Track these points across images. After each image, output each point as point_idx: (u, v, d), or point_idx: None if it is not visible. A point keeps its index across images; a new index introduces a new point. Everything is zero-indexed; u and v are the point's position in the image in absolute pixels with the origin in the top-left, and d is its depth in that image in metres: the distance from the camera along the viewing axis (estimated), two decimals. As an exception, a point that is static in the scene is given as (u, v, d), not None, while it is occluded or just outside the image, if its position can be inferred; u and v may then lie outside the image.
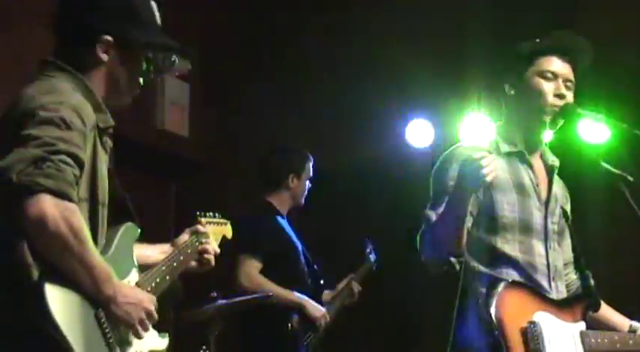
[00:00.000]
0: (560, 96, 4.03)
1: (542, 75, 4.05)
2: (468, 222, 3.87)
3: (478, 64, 6.84)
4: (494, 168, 3.66)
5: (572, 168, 4.33)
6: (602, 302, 4.16)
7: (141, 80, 3.49)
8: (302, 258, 6.21)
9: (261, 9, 8.05)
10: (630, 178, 4.07)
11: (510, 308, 3.81)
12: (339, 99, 7.75)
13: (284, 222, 6.25)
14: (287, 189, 6.25)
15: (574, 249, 4.16)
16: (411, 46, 7.45)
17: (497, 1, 7.24)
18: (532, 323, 3.82)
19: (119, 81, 3.43)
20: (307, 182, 6.31)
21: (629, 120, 4.15)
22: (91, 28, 3.39)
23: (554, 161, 4.19)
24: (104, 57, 3.37)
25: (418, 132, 7.06)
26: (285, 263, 6.10)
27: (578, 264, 4.14)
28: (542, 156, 4.16)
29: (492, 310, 3.74)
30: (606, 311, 4.24)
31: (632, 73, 6.90)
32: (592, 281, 4.08)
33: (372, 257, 6.63)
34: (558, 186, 4.21)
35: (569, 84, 4.07)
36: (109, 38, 3.36)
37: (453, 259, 3.80)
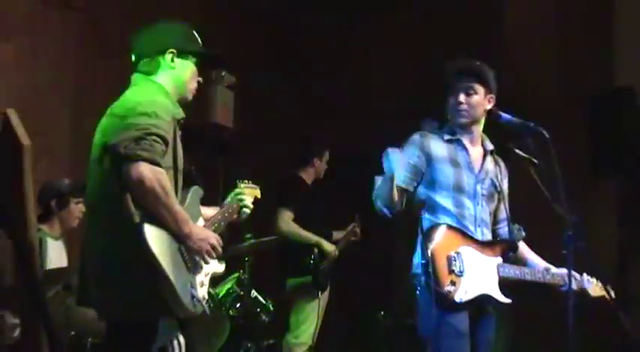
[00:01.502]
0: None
1: (452, 92, 4.09)
2: (410, 186, 4.00)
3: (430, 85, 6.86)
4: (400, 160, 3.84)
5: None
6: (526, 247, 4.22)
7: (193, 84, 3.55)
8: (320, 212, 6.31)
9: (283, 41, 8.04)
10: (535, 160, 4.09)
11: (442, 243, 3.86)
12: (340, 106, 7.75)
13: (309, 189, 6.35)
14: (312, 167, 6.37)
15: (507, 211, 4.18)
16: (390, 72, 7.45)
17: (445, 41, 7.22)
18: (457, 252, 3.87)
19: (181, 82, 3.49)
20: (325, 163, 6.42)
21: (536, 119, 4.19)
22: (161, 45, 3.50)
23: (491, 147, 4.20)
24: (171, 64, 3.44)
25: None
26: (310, 215, 6.17)
27: (509, 222, 4.18)
28: (482, 144, 4.18)
29: (429, 244, 3.80)
30: (525, 253, 4.24)
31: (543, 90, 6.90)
32: (522, 234, 4.14)
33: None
34: (492, 165, 4.20)
35: (470, 91, 4.08)
36: (173, 50, 3.46)
37: (385, 210, 3.90)
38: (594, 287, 4.22)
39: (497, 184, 4.20)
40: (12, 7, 5.21)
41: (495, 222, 4.20)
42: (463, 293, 3.85)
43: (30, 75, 5.36)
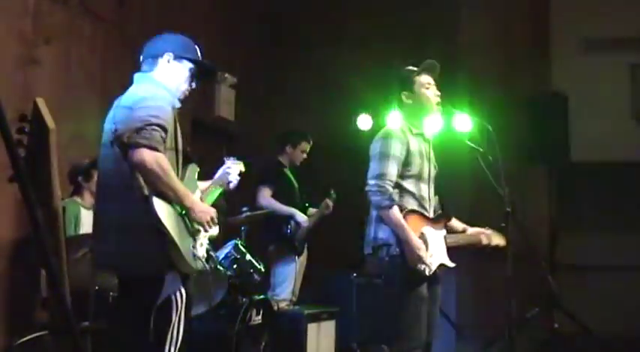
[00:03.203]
0: (437, 96, 3.99)
1: (425, 86, 3.99)
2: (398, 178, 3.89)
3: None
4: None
5: (449, 144, 4.32)
6: (454, 217, 4.19)
7: (186, 85, 3.48)
8: (296, 190, 6.20)
9: (277, 46, 7.99)
10: (481, 150, 4.07)
11: (409, 224, 3.80)
12: (322, 104, 7.70)
13: (287, 171, 6.22)
14: (285, 153, 6.23)
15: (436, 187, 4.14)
16: (361, 75, 7.40)
17: (412, 50, 7.18)
18: (422, 234, 3.84)
19: (175, 82, 3.44)
20: (301, 152, 6.26)
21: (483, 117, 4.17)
22: (161, 49, 3.44)
23: (430, 137, 4.13)
24: (167, 65, 3.37)
25: (364, 121, 7.03)
26: (286, 192, 6.09)
27: (436, 193, 4.12)
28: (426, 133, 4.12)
29: None
30: (454, 222, 4.20)
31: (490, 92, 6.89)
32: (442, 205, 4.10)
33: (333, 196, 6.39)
34: (432, 151, 4.15)
35: (435, 87, 4.02)
36: (170, 54, 3.39)
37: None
38: (496, 236, 4.20)
39: (436, 166, 4.15)
40: (51, 17, 5.12)
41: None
42: (430, 265, 3.82)
43: (65, 71, 5.28)
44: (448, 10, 7.50)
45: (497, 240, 4.18)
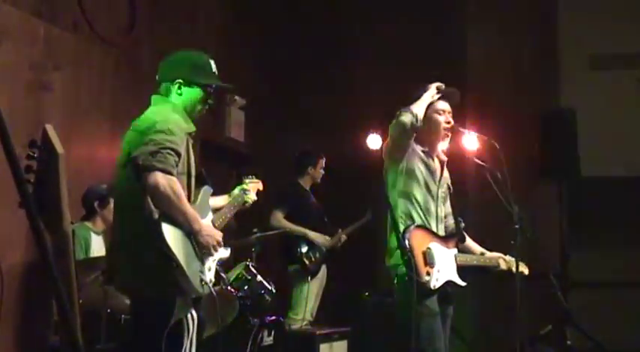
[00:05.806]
0: (448, 122, 4.04)
1: (438, 112, 4.06)
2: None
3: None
4: None
5: (459, 162, 4.34)
6: (468, 237, 4.19)
7: (202, 106, 3.51)
8: (314, 212, 6.26)
9: (286, 68, 8.04)
10: (486, 166, 4.10)
11: (416, 241, 3.85)
12: (332, 124, 7.72)
13: (306, 193, 6.30)
14: (308, 174, 6.30)
15: (452, 207, 4.19)
16: (371, 95, 7.42)
17: (422, 69, 7.20)
18: (428, 248, 3.86)
19: (190, 105, 3.46)
20: (321, 170, 6.36)
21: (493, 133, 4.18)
22: (172, 75, 3.46)
23: (444, 158, 4.18)
24: (179, 91, 3.41)
25: (373, 141, 7.01)
26: (304, 214, 6.17)
27: (454, 215, 4.17)
28: (438, 156, 4.16)
29: (406, 242, 3.77)
30: (469, 243, 4.24)
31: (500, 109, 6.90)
32: (462, 225, 4.13)
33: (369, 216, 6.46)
34: (446, 172, 4.19)
35: (450, 114, 4.08)
36: (180, 81, 3.39)
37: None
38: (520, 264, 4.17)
39: (451, 188, 4.20)
40: (61, 43, 5.19)
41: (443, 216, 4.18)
42: (435, 280, 3.85)
43: (75, 97, 5.34)
44: (456, 28, 7.54)
45: (521, 268, 4.17)
